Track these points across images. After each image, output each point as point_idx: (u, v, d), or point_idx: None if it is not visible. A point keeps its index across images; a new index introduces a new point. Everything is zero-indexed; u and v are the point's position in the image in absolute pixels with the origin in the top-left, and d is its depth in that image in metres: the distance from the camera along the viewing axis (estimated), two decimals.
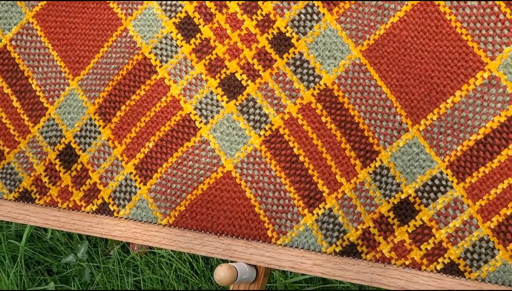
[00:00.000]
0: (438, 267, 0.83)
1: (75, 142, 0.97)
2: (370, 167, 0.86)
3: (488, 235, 0.81)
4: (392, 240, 0.84)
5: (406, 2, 0.86)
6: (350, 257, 0.86)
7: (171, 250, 1.43)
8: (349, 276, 0.85)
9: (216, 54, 0.92)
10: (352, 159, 0.86)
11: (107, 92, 0.96)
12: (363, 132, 0.86)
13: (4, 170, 1.00)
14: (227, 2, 0.92)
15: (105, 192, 0.96)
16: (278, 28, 0.90)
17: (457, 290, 0.82)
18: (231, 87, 0.92)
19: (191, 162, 0.92)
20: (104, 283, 1.58)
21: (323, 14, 0.89)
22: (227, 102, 0.92)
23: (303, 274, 1.42)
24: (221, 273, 0.85)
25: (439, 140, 0.84)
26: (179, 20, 0.94)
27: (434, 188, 0.83)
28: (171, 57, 0.94)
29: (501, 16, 0.82)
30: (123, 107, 0.95)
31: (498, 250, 0.81)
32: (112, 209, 0.95)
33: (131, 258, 1.57)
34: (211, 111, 0.92)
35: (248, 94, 0.91)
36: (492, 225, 0.81)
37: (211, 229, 0.91)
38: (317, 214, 0.87)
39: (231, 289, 0.92)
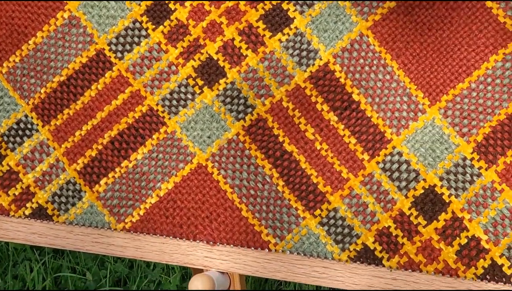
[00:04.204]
0: (27, 212, 0.81)
1: None
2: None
3: (74, 178, 0.80)
4: None
5: None
6: None
7: None
8: None
9: None
10: None
11: None
12: None
13: None
14: None
15: None
16: None
17: None
18: None
19: None
20: None
21: None
22: None
23: None
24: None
25: (23, 82, 0.81)
26: None
27: (20, 132, 0.81)
28: None
29: None
30: None
31: (85, 192, 0.80)
32: None
33: None
34: None
35: None
36: (78, 167, 0.80)
37: None
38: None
39: None
